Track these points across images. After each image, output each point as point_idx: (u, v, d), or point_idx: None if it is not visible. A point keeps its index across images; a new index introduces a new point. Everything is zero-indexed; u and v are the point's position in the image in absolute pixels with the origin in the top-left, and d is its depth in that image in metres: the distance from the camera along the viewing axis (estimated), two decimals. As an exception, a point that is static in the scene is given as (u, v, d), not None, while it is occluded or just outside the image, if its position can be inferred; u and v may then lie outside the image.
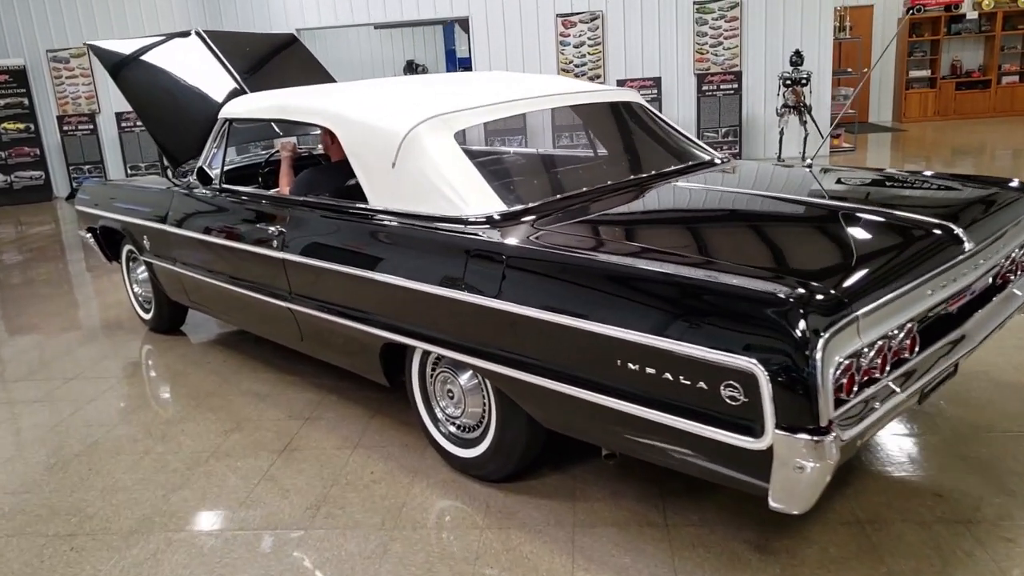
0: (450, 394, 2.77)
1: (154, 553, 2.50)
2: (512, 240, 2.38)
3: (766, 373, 1.76)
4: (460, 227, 2.53)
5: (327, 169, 3.59)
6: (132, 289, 4.79)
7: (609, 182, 2.88)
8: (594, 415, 2.18)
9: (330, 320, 2.99)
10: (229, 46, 4.89)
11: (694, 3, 9.35)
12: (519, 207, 2.59)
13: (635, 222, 2.72)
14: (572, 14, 9.53)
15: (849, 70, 10.51)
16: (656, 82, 9.48)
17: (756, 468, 1.86)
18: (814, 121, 9.01)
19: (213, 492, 2.84)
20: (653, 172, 3.03)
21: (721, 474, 1.99)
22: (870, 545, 2.31)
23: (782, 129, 9.09)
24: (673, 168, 3.11)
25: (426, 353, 2.79)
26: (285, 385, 3.76)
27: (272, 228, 3.19)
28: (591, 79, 9.55)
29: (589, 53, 9.57)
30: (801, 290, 1.81)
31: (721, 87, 9.41)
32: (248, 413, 3.48)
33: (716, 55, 9.44)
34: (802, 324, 1.74)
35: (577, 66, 9.61)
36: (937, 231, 2.30)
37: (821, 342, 1.73)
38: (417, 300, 2.56)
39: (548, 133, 9.22)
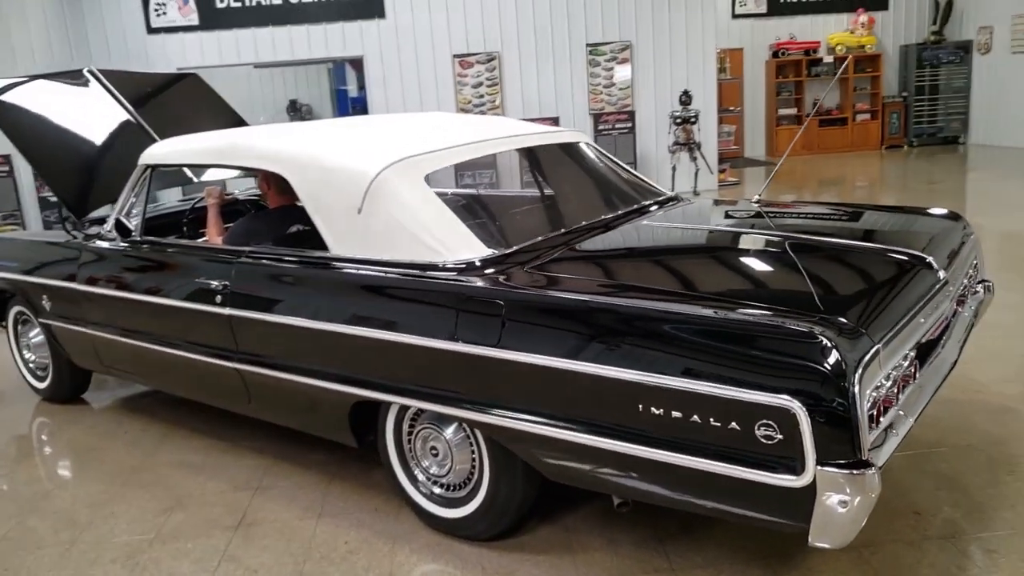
0: (433, 451, 2.59)
1: (107, 665, 2.16)
2: (509, 285, 2.27)
3: (805, 410, 1.75)
4: (443, 274, 2.39)
5: (266, 216, 3.34)
6: (21, 355, 4.25)
7: (583, 222, 2.83)
8: (610, 463, 2.09)
9: (288, 380, 2.74)
10: (127, 86, 4.54)
11: (587, 45, 9.66)
12: (503, 251, 2.48)
13: (630, 261, 2.67)
14: (469, 55, 9.59)
15: (731, 108, 11.19)
16: (555, 122, 9.67)
17: (794, 507, 1.83)
18: (703, 157, 9.49)
19: (165, 584, 2.50)
20: (620, 211, 3.01)
21: (751, 516, 1.94)
22: (872, 571, 2.34)
23: (674, 166, 9.51)
24: (638, 206, 3.11)
25: (403, 409, 2.61)
26: (219, 453, 3.42)
27: (215, 282, 2.91)
28: (491, 119, 9.56)
29: (488, 93, 9.63)
30: (833, 326, 1.83)
31: (616, 126, 9.73)
32: (187, 487, 3.12)
33: (610, 95, 9.76)
34: (838, 359, 1.75)
35: (476, 106, 9.64)
36: (913, 260, 2.41)
37: (857, 375, 1.75)
38: (398, 353, 2.39)
39: (450, 172, 9.14)
